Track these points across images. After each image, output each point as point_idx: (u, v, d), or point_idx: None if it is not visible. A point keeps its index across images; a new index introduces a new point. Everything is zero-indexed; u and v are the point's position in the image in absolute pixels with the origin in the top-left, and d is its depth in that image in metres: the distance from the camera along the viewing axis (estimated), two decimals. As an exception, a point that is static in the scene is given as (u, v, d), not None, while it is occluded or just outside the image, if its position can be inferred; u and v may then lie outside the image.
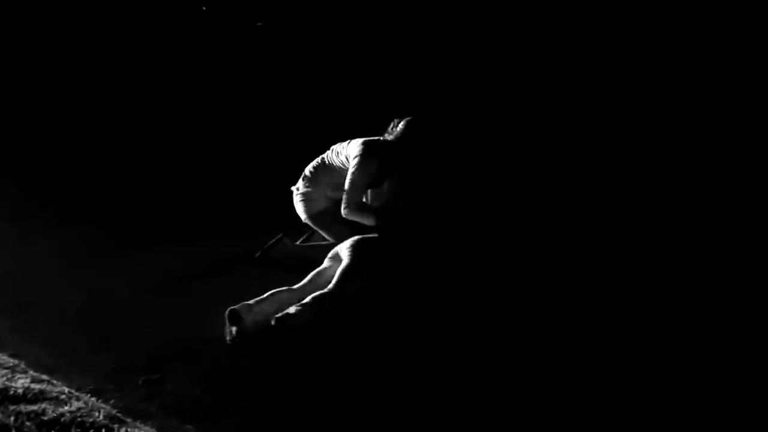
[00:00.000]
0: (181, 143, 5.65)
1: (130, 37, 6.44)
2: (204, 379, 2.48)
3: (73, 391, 2.28)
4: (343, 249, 2.98)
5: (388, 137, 3.24)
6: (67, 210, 4.35)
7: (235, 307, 2.68)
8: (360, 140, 3.25)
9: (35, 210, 4.32)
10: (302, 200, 3.39)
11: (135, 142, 5.72)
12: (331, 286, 2.83)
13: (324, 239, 3.39)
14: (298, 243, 3.47)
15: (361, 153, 3.16)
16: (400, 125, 3.22)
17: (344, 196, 3.16)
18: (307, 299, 2.74)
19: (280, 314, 2.65)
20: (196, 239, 3.85)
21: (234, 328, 2.68)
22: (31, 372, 2.36)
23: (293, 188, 3.45)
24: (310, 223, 3.42)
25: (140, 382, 2.45)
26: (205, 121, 5.99)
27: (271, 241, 3.38)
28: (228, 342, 2.68)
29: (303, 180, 3.41)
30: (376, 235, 3.09)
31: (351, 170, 3.15)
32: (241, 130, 5.80)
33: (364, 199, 3.29)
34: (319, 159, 3.43)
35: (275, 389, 2.46)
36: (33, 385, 2.21)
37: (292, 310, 2.67)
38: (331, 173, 3.32)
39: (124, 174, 5.08)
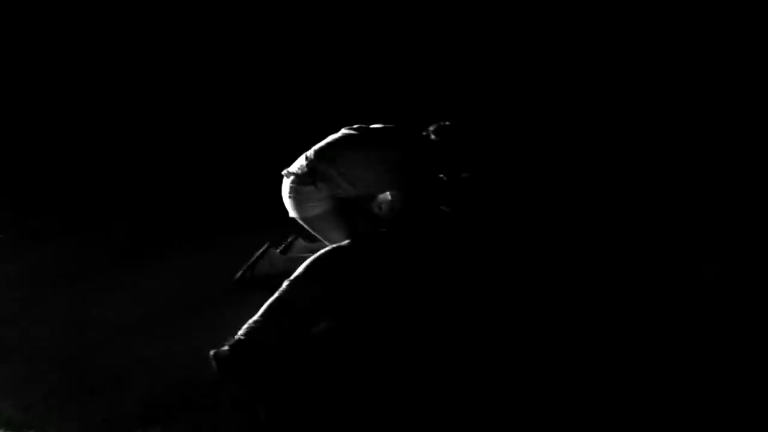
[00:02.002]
0: (171, 144, 5.28)
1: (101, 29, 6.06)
2: (215, 435, 2.07)
3: (49, 451, 1.95)
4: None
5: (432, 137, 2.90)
6: (40, 223, 3.89)
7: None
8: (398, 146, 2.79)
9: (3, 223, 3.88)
10: (295, 197, 2.77)
11: (120, 146, 5.34)
12: (256, 316, 2.41)
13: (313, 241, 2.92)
14: (281, 252, 2.96)
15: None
16: (443, 130, 2.90)
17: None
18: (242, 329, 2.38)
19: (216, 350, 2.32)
20: (200, 252, 3.35)
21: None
22: (-4, 428, 2.01)
23: (284, 172, 2.82)
24: (300, 223, 2.86)
25: (135, 438, 2.07)
26: (188, 122, 5.63)
27: (256, 254, 2.86)
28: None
29: (302, 169, 2.74)
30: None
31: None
32: (224, 128, 5.45)
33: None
34: (318, 148, 2.78)
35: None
36: (-2, 446, 1.88)
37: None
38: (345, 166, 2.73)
39: (111, 178, 4.66)
